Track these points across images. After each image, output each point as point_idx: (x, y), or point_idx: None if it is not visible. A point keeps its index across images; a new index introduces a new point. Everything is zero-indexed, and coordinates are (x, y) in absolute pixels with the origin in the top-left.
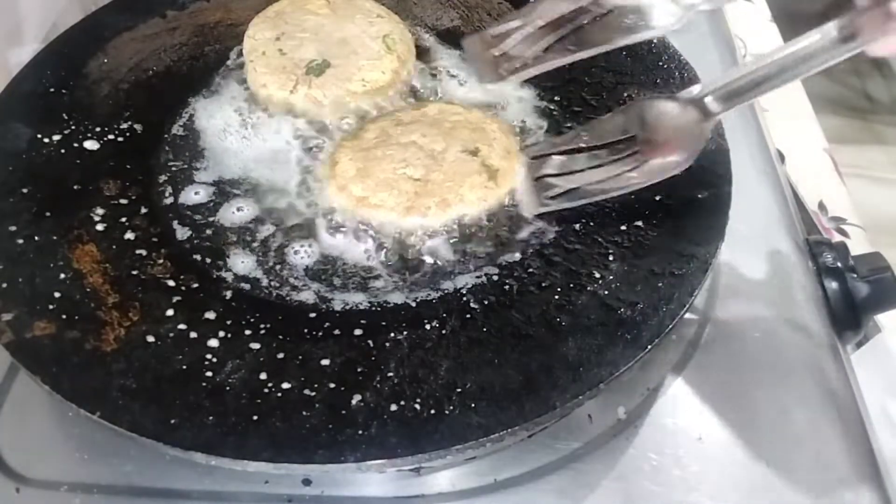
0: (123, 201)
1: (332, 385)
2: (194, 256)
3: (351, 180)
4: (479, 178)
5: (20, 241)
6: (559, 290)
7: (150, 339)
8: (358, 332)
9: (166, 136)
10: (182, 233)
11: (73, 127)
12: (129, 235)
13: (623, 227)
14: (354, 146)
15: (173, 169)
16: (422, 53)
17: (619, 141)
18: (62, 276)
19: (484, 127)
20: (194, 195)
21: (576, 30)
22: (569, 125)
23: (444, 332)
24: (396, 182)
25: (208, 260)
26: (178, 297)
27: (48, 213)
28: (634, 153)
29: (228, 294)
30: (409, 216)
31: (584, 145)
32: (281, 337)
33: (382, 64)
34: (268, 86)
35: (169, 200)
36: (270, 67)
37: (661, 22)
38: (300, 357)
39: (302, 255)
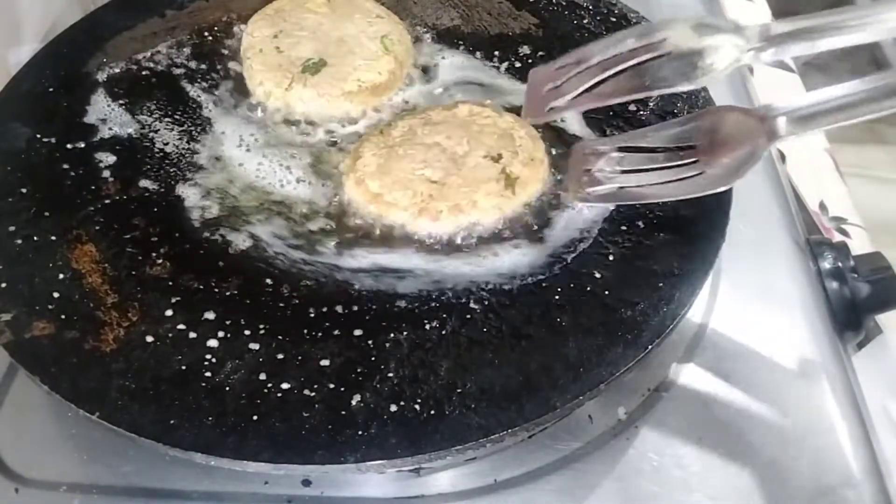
0: (122, 201)
1: (332, 385)
2: (196, 255)
3: (369, 175)
4: (495, 186)
5: (19, 242)
6: (559, 290)
7: (150, 339)
8: (358, 332)
9: None
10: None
11: (71, 127)
12: (128, 235)
13: (624, 227)
14: (379, 142)
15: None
16: (420, 54)
17: (680, 148)
18: (61, 276)
19: (512, 133)
20: (193, 193)
21: (629, 70)
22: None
23: (444, 332)
24: (412, 182)
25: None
26: (178, 298)
27: (47, 213)
28: (693, 163)
29: (228, 294)
30: (421, 218)
31: (645, 145)
32: (280, 337)
33: (379, 64)
34: (264, 83)
35: (169, 199)
36: (267, 65)
37: (719, 64)
38: (300, 357)
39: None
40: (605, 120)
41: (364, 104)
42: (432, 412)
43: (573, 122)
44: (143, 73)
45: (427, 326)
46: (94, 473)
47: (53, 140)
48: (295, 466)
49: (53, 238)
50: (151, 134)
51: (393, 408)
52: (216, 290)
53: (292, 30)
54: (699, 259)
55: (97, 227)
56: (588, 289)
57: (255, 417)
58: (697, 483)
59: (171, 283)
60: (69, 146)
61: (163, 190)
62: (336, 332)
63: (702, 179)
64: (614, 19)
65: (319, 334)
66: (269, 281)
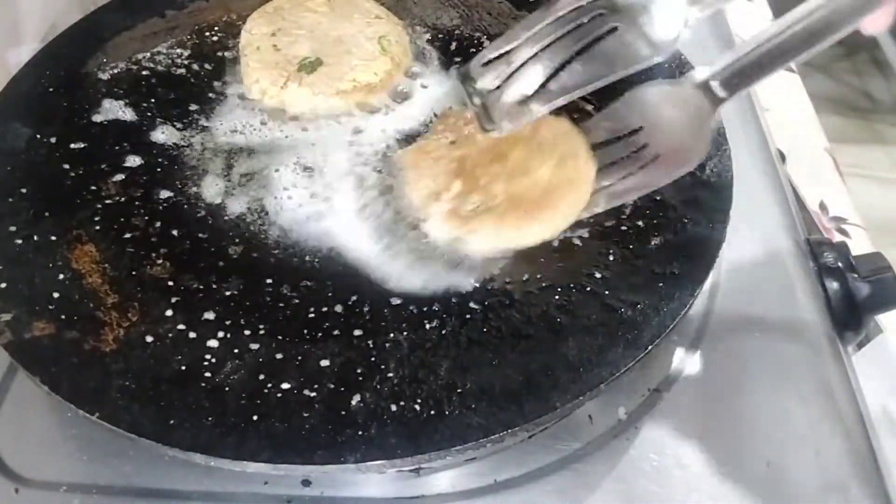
0: (122, 201)
1: (332, 385)
2: (196, 255)
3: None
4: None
5: (19, 242)
6: (559, 290)
7: (150, 339)
8: (358, 332)
9: None
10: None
11: (71, 127)
12: (128, 235)
13: (623, 228)
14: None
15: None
16: (417, 55)
17: (629, 134)
18: (61, 276)
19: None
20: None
21: (573, 59)
22: None
23: (444, 332)
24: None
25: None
26: (178, 298)
27: (47, 213)
28: (644, 147)
29: (228, 294)
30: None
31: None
32: (280, 337)
33: (375, 65)
34: (259, 81)
35: (169, 199)
36: (263, 62)
37: (663, 36)
38: (300, 357)
39: None
40: None
41: (358, 103)
42: (432, 412)
43: None
44: (144, 72)
45: (427, 326)
46: (94, 473)
47: (53, 140)
48: (295, 466)
49: (53, 238)
50: (152, 134)
51: (393, 408)
52: (216, 290)
53: (290, 28)
54: (699, 259)
55: (97, 227)
56: (588, 289)
57: (254, 417)
58: (697, 483)
59: (171, 283)
60: (70, 146)
61: (163, 189)
62: (336, 332)
63: (661, 164)
64: None
65: (319, 334)
66: (269, 281)
